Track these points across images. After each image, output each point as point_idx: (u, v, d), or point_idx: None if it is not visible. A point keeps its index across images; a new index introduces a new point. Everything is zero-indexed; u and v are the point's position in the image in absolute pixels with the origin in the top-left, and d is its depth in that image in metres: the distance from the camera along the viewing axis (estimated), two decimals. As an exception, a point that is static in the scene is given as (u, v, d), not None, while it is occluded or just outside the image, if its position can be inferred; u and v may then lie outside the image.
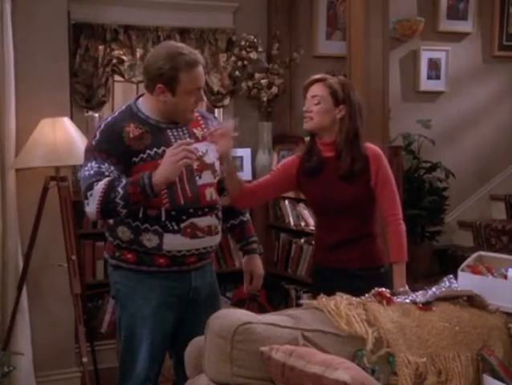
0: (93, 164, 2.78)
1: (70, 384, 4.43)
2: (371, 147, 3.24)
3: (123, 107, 2.97)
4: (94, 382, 4.38)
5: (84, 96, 5.02)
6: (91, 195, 2.73)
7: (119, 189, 2.70)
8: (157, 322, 2.92)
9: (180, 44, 2.99)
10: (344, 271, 3.19)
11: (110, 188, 2.71)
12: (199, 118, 3.06)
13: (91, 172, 2.77)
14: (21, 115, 4.18)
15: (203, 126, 3.04)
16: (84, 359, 4.02)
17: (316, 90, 3.22)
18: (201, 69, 2.88)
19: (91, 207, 2.75)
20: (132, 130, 2.85)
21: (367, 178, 3.19)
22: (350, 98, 3.20)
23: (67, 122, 4.19)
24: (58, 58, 4.38)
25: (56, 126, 4.12)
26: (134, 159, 2.82)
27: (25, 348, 4.17)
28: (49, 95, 4.29)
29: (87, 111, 5.11)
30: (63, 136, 4.10)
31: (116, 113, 2.95)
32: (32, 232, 4.13)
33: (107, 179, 2.73)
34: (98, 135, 2.86)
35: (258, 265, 3.24)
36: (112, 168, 2.78)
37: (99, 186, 2.72)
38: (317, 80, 3.25)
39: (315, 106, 3.19)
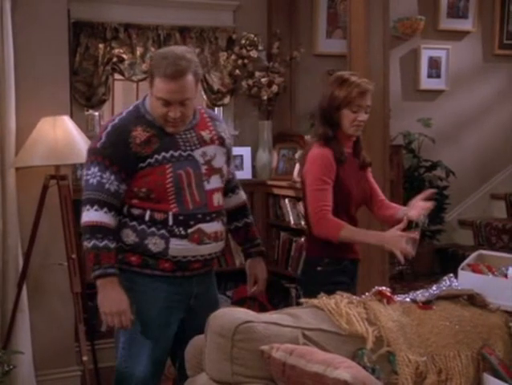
0: (96, 170, 2.79)
1: (70, 383, 4.43)
2: None
3: (131, 108, 2.90)
4: (94, 381, 4.37)
5: (84, 95, 5.01)
6: (87, 210, 2.80)
7: (93, 242, 2.76)
8: (160, 327, 2.86)
9: (178, 51, 2.82)
10: (357, 261, 3.33)
11: (94, 230, 2.78)
12: (207, 120, 2.99)
13: (94, 181, 2.79)
14: (21, 113, 4.17)
15: (211, 128, 2.97)
16: (84, 358, 4.01)
17: (369, 100, 3.26)
18: (173, 85, 2.73)
19: (82, 220, 2.84)
20: (139, 134, 2.78)
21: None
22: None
23: (67, 120, 4.18)
24: (58, 57, 4.36)
25: (56, 124, 4.11)
26: (141, 164, 2.78)
27: (25, 347, 4.16)
28: (49, 93, 4.28)
29: (88, 110, 5.10)
30: (63, 135, 4.09)
31: (124, 113, 2.89)
32: (32, 230, 4.12)
33: (99, 220, 2.78)
34: (104, 138, 2.81)
35: (262, 268, 3.18)
36: (113, 177, 2.78)
37: (92, 217, 2.79)
38: (369, 89, 3.26)
39: (367, 115, 3.26)
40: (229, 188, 3.09)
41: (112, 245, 2.78)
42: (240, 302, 4.94)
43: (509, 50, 6.79)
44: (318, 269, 3.23)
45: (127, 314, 2.77)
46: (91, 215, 2.78)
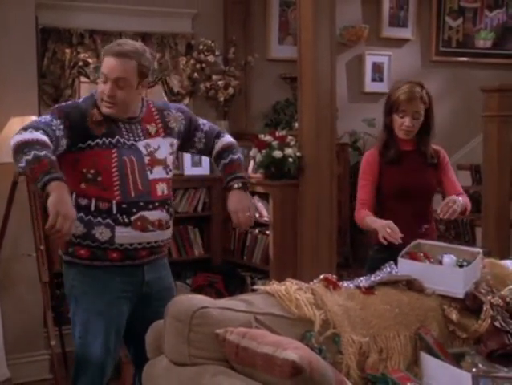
0: (47, 116, 2.68)
1: (39, 366, 4.39)
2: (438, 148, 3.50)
3: (88, 95, 2.88)
4: (61, 364, 4.34)
5: (52, 96, 4.98)
6: (20, 133, 2.53)
7: (33, 152, 2.44)
8: (112, 316, 2.79)
9: (131, 41, 2.88)
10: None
11: (30, 144, 2.47)
12: (154, 112, 2.92)
13: (42, 119, 2.66)
14: (-9, 114, 4.12)
15: (158, 121, 2.90)
16: (52, 343, 3.99)
17: (417, 106, 3.33)
18: (113, 61, 2.74)
19: (13, 141, 2.54)
20: (95, 114, 2.75)
21: (436, 169, 3.44)
22: (431, 104, 3.42)
23: (35, 120, 4.13)
24: (26, 61, 4.32)
25: (25, 124, 4.05)
26: (90, 142, 2.71)
27: (-4, 333, 4.11)
28: (18, 95, 4.24)
29: (55, 111, 5.05)
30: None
31: (82, 98, 2.89)
32: (2, 224, 4.08)
33: (35, 137, 2.48)
34: (65, 104, 2.84)
35: (236, 200, 2.89)
36: (62, 126, 2.64)
37: (26, 136, 2.49)
38: (416, 97, 3.33)
39: (415, 120, 3.34)
40: (212, 138, 3.06)
41: (53, 157, 2.48)
42: (198, 289, 4.93)
43: (445, 57, 6.89)
44: (370, 253, 3.46)
45: (71, 221, 2.42)
46: (24, 135, 2.51)
